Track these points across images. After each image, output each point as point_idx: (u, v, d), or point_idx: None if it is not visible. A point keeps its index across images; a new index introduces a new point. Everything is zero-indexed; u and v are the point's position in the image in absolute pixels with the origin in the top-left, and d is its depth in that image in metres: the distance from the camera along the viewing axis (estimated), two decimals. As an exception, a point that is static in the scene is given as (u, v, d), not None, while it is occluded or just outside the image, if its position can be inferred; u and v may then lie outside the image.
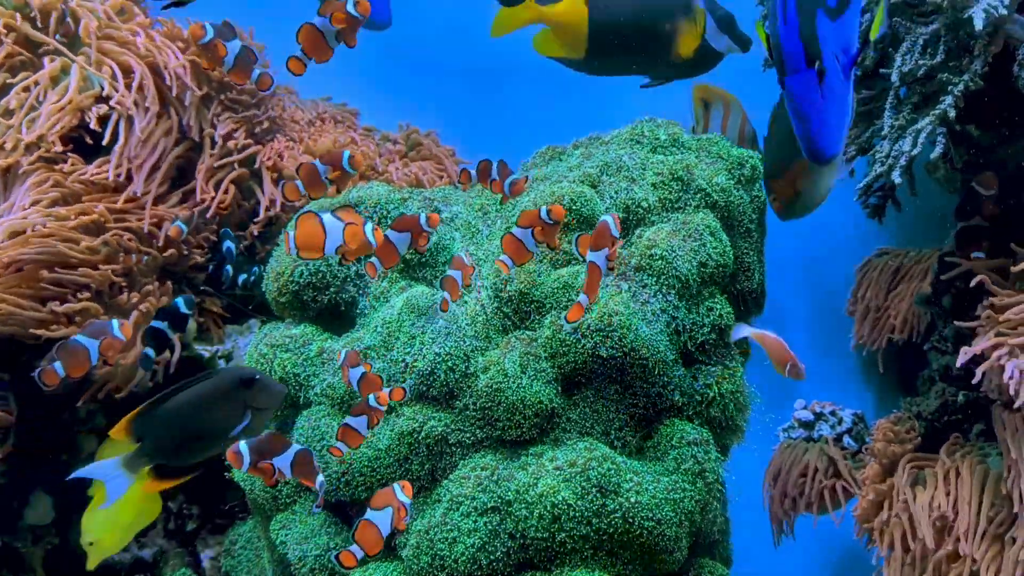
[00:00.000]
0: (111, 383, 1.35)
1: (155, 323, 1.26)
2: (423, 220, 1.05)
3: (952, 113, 1.18)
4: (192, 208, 1.47)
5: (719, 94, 1.47)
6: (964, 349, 1.18)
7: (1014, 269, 1.27)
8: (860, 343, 1.69)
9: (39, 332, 1.28)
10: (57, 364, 1.03)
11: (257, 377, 1.01)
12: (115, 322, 1.05)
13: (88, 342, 1.04)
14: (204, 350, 1.44)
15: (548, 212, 1.02)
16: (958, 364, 1.19)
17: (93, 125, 1.40)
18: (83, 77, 1.43)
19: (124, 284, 1.37)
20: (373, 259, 1.06)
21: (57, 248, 1.33)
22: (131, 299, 1.35)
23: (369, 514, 0.93)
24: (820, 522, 1.56)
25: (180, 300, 1.29)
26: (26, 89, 1.42)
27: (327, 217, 0.99)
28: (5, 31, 1.45)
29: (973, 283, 1.28)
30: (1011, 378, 1.12)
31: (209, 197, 1.47)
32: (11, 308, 1.28)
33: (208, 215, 1.47)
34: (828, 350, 1.81)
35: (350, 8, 0.98)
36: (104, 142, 1.41)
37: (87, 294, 1.33)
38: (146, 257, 1.40)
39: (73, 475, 1.01)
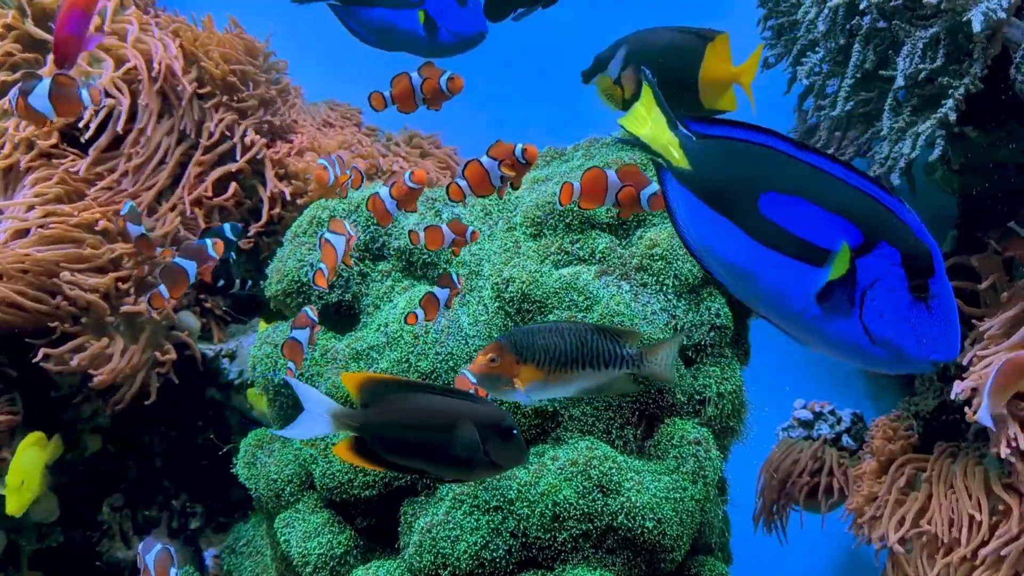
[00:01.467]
0: (114, 383, 1.36)
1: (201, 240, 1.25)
2: (519, 151, 1.01)
3: (953, 116, 1.19)
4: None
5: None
6: (957, 383, 1.19)
7: (981, 287, 1.28)
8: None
9: (48, 323, 1.29)
10: (162, 287, 1.04)
11: (515, 433, 0.86)
12: (209, 241, 1.07)
13: (187, 263, 1.05)
14: (208, 349, 1.45)
15: (523, 151, 1.00)
16: (952, 395, 1.20)
17: (87, 121, 1.40)
18: (83, 73, 1.44)
19: (131, 288, 1.37)
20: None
21: (62, 252, 1.34)
22: (138, 302, 1.36)
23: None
24: (820, 520, 1.57)
25: (227, 226, 1.30)
26: None
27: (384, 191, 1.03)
28: (5, 30, 1.45)
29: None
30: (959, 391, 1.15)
31: (201, 193, 1.47)
32: (17, 298, 1.29)
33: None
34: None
35: (443, 83, 1.03)
36: (86, 137, 1.41)
37: (95, 295, 1.34)
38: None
39: (287, 379, 0.93)
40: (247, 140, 1.50)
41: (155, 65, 1.45)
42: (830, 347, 0.72)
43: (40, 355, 1.30)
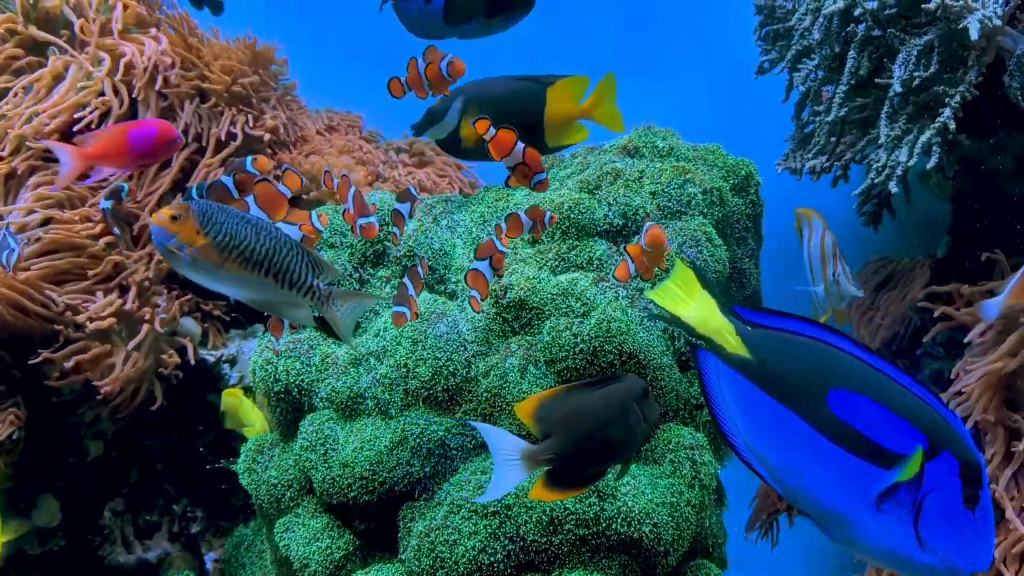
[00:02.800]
0: (117, 388, 1.37)
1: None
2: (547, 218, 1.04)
3: (952, 125, 1.20)
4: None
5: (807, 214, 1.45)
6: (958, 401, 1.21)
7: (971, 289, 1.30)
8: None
9: (52, 326, 1.30)
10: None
11: (647, 388, 0.89)
12: (249, 158, 1.04)
13: (228, 180, 1.02)
14: (209, 355, 1.46)
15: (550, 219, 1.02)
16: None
17: (88, 123, 1.41)
18: (86, 75, 1.45)
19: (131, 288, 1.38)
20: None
21: (65, 259, 1.35)
22: (143, 312, 1.37)
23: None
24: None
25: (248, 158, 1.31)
26: (25, 89, 1.43)
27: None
28: (8, 34, 1.46)
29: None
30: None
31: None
32: (23, 300, 1.30)
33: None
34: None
35: (443, 67, 1.02)
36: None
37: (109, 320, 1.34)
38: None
39: (474, 424, 0.92)
40: (259, 131, 1.51)
41: (145, 60, 1.45)
42: (876, 549, 0.72)
43: (41, 358, 1.30)
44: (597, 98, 1.01)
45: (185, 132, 1.49)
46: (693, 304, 0.76)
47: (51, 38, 1.49)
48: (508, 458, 0.83)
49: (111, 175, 1.30)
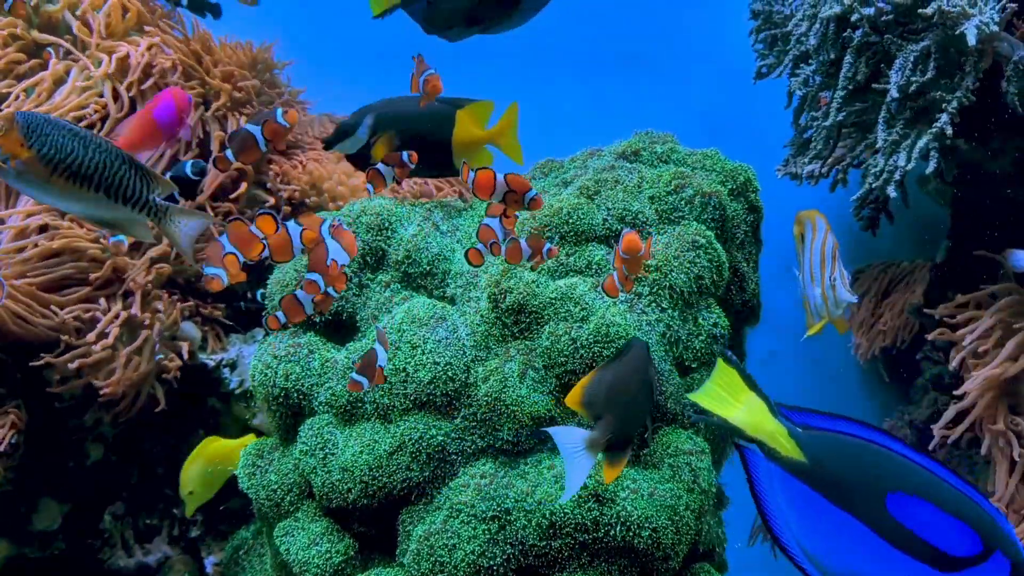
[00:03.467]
0: (117, 391, 1.37)
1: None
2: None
3: (949, 130, 1.21)
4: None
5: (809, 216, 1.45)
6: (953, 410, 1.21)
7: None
8: (857, 352, 1.71)
9: (52, 334, 1.31)
10: (228, 152, 0.99)
11: (647, 344, 0.96)
12: (279, 110, 1.02)
13: (254, 128, 1.00)
14: (208, 359, 1.46)
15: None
16: (938, 426, 1.22)
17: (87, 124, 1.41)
18: (87, 78, 1.45)
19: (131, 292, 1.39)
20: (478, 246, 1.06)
21: (65, 267, 1.35)
22: (143, 318, 1.37)
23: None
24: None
25: (187, 164, 1.28)
26: (27, 92, 1.44)
27: (291, 224, 1.01)
28: (10, 39, 1.47)
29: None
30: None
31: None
32: (25, 313, 1.30)
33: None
34: (824, 359, 1.83)
35: (420, 82, 1.03)
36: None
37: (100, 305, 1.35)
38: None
39: (539, 434, 0.94)
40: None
41: (139, 56, 1.45)
42: None
43: (43, 362, 1.31)
44: (501, 127, 1.02)
45: (188, 138, 1.50)
46: (741, 406, 0.77)
47: (52, 38, 1.49)
48: (575, 450, 0.86)
49: (150, 156, 1.32)
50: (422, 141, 1.02)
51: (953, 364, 1.23)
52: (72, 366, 1.32)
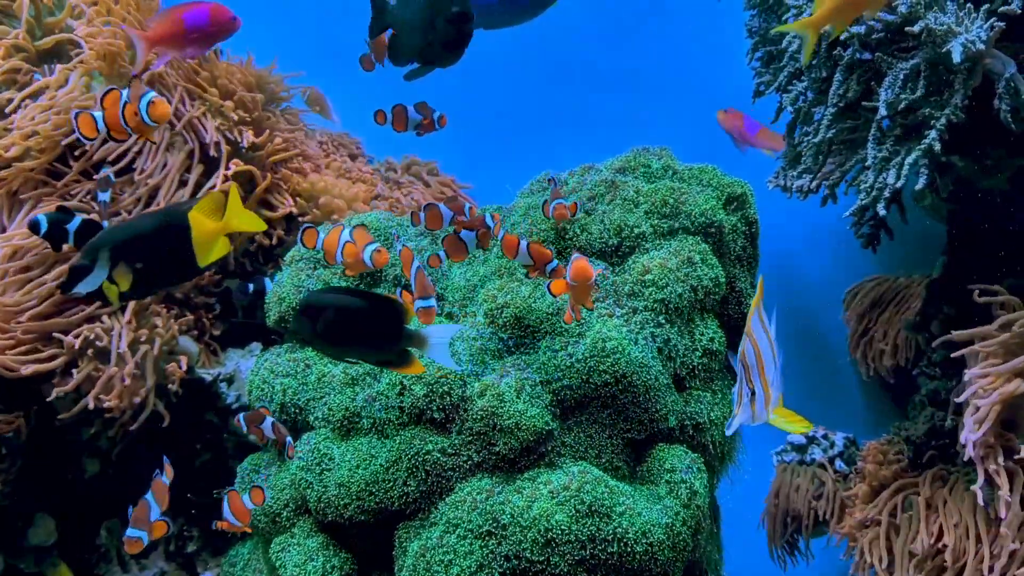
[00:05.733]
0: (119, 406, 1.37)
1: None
2: (488, 219, 1.12)
3: (938, 147, 1.21)
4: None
5: None
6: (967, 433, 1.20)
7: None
8: (854, 364, 1.71)
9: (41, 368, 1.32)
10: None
11: None
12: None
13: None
14: (206, 374, 1.46)
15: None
16: (961, 442, 1.21)
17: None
18: (87, 83, 1.46)
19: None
20: (440, 253, 1.14)
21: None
22: (140, 334, 1.38)
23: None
24: (814, 544, 1.57)
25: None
26: (33, 98, 1.45)
27: (344, 232, 1.06)
28: (14, 50, 1.48)
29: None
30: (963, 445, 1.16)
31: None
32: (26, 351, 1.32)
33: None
34: (820, 374, 1.83)
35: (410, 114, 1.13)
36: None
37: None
38: None
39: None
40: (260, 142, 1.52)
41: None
42: None
43: (53, 396, 1.32)
44: (231, 211, 1.02)
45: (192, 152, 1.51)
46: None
47: (61, 36, 1.50)
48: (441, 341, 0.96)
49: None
50: (163, 252, 1.01)
51: (969, 374, 1.21)
52: (70, 385, 1.32)
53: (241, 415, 1.16)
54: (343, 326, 0.96)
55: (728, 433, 0.94)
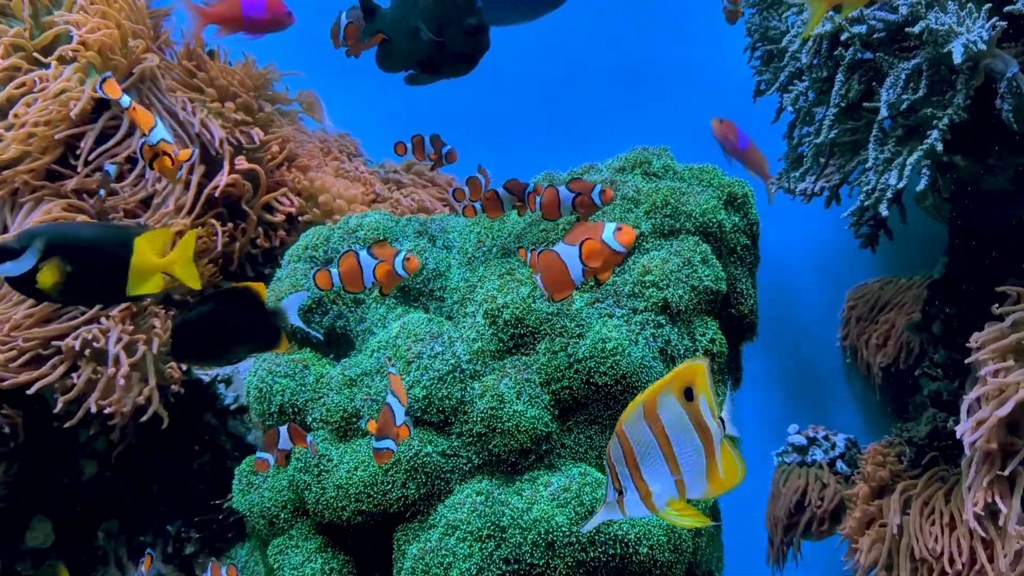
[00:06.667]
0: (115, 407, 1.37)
1: None
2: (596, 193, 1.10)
3: (940, 147, 1.21)
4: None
5: None
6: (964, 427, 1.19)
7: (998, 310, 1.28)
8: (855, 365, 1.71)
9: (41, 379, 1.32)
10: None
11: None
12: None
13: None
14: (203, 375, 1.46)
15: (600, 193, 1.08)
16: (959, 434, 1.20)
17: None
18: (81, 79, 1.46)
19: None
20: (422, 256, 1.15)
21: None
22: (138, 337, 1.37)
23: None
24: (815, 546, 1.57)
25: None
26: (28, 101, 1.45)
27: (363, 254, 1.05)
28: (13, 49, 1.48)
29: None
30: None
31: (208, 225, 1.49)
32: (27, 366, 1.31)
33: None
34: (821, 375, 1.83)
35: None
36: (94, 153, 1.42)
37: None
38: None
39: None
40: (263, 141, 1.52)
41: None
42: None
43: (59, 408, 1.31)
44: (176, 255, 1.01)
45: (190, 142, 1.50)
46: None
47: (62, 24, 1.49)
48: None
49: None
50: (97, 263, 0.99)
51: (982, 372, 1.20)
52: (73, 393, 1.32)
53: (283, 428, 1.08)
54: (218, 333, 0.95)
55: (583, 531, 0.95)
